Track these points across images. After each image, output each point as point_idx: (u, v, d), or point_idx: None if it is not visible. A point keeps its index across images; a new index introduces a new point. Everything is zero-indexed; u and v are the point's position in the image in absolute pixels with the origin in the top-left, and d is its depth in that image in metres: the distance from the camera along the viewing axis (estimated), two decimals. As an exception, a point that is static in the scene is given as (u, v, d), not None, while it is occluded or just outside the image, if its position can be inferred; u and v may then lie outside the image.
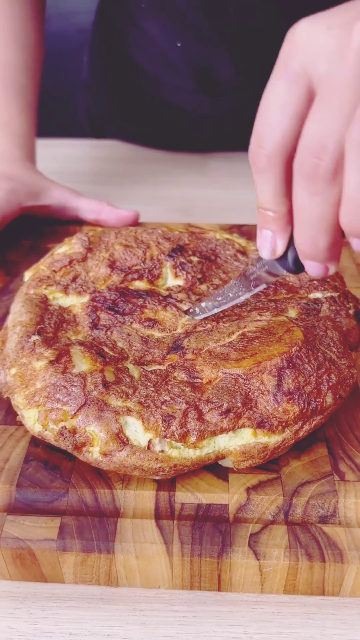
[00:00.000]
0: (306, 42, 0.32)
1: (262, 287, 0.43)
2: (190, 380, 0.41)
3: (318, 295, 0.49)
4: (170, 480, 0.40)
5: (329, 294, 0.48)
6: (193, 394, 0.40)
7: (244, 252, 0.54)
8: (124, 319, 0.47)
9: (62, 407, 0.40)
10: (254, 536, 0.37)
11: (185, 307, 0.48)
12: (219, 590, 0.39)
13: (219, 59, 0.79)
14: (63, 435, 0.39)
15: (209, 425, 0.39)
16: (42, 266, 0.52)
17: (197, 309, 0.47)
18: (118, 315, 0.47)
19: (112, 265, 0.52)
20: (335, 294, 0.48)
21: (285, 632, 0.37)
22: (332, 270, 0.36)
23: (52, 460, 0.41)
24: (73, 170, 0.85)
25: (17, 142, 0.69)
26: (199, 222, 0.67)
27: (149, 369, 0.43)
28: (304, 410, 0.40)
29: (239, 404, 0.39)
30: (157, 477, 0.39)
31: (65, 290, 0.50)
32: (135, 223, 0.67)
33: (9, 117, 0.70)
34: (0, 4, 0.71)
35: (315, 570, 0.37)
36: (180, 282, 0.51)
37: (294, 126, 0.32)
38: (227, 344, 0.43)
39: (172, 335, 0.46)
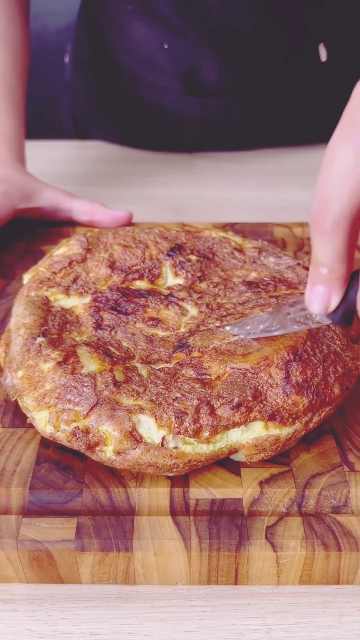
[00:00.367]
0: None
1: (302, 328, 0.42)
2: (199, 377, 0.41)
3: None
4: (183, 476, 0.40)
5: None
6: (203, 390, 0.40)
7: (240, 250, 0.55)
8: (127, 318, 0.47)
9: (74, 408, 0.40)
10: (270, 528, 0.38)
11: (186, 306, 0.49)
12: (235, 584, 0.39)
13: (205, 61, 0.79)
14: (76, 435, 0.39)
15: (221, 419, 0.39)
16: (41, 268, 0.52)
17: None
18: (121, 315, 0.47)
19: (112, 265, 0.52)
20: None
21: (303, 621, 0.37)
22: None
23: (64, 461, 0.41)
24: (61, 172, 0.85)
25: (7, 144, 0.69)
26: (191, 221, 0.67)
27: (157, 368, 0.43)
28: (313, 402, 0.41)
29: (250, 398, 0.40)
30: (171, 474, 0.40)
31: (67, 291, 0.50)
32: (129, 223, 0.67)
33: None
34: None
35: (331, 559, 0.37)
36: (180, 280, 0.52)
37: None
38: (232, 342, 0.43)
39: (176, 334, 0.46)
